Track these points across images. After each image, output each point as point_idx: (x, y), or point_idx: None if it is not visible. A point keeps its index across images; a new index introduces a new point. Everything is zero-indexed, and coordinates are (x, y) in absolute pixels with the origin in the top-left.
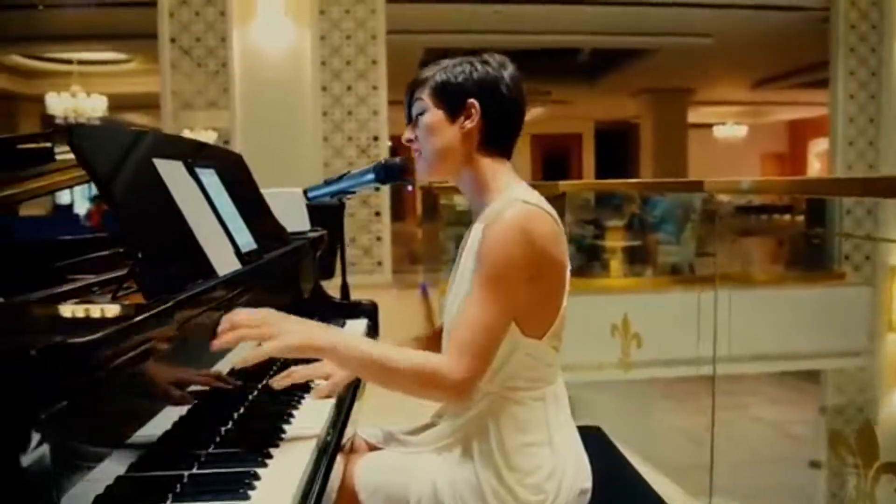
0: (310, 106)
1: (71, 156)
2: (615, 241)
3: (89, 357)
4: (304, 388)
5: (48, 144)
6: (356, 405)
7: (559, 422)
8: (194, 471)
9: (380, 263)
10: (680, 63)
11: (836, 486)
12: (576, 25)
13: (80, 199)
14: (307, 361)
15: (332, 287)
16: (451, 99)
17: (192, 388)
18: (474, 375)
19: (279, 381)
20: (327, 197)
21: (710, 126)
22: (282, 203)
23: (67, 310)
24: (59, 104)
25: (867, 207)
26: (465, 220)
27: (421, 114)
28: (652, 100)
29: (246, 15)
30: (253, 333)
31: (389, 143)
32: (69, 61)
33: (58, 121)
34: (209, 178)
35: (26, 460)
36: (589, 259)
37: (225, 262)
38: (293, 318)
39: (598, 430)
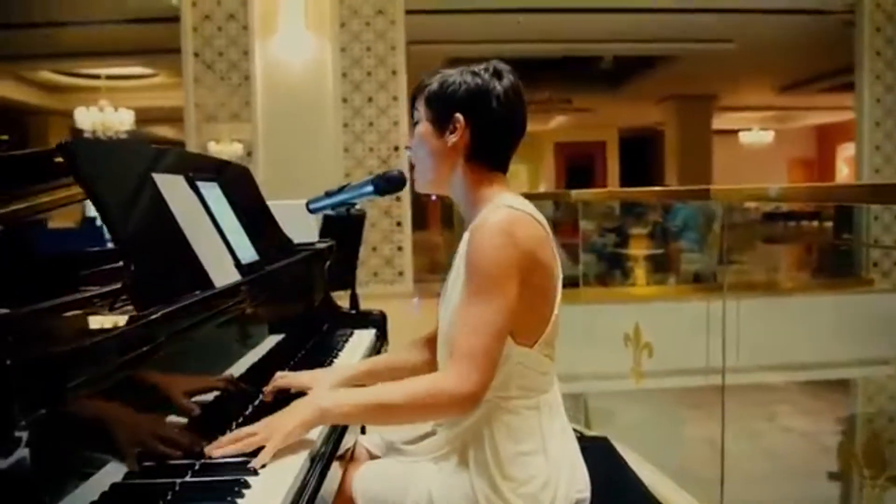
0: (331, 117)
1: None
2: (637, 250)
3: (64, 367)
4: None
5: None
6: None
7: (553, 430)
8: (187, 479)
9: (401, 273)
10: (703, 69)
11: (848, 497)
12: (597, 34)
13: None
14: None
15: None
16: (439, 111)
17: (190, 397)
18: (483, 383)
19: (267, 393)
20: (329, 209)
21: (735, 132)
22: (289, 215)
23: (56, 321)
24: (88, 118)
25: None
26: None
27: (416, 123)
28: (676, 106)
29: (268, 29)
30: (254, 441)
31: (408, 153)
32: (97, 76)
33: (86, 134)
34: (211, 191)
35: (3, 464)
36: (611, 267)
37: (224, 274)
38: (287, 410)
39: (605, 440)
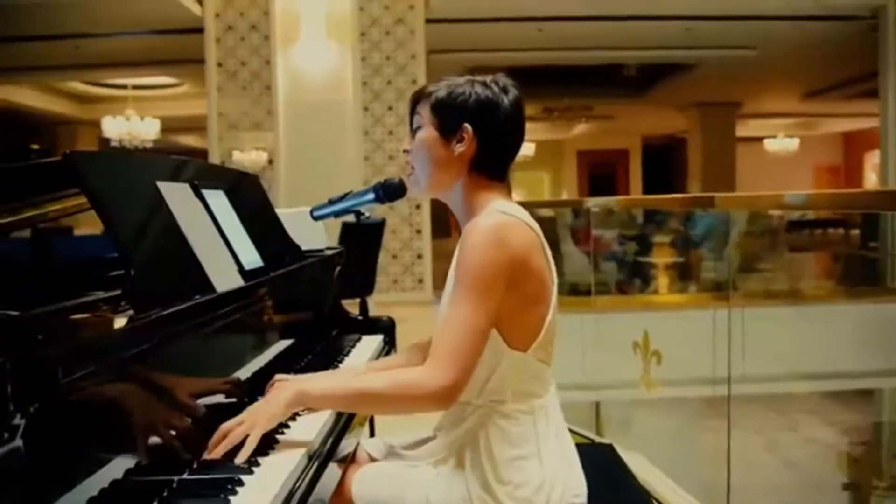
0: (351, 126)
1: None
2: (657, 258)
3: (56, 365)
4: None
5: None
6: (357, 417)
7: (548, 435)
8: (184, 476)
9: (420, 281)
10: (726, 76)
11: None
12: (619, 41)
13: None
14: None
15: (370, 304)
16: (446, 119)
17: (191, 399)
18: (458, 380)
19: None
20: (332, 216)
21: (760, 139)
22: (300, 222)
23: (56, 322)
24: (115, 128)
25: None
26: None
27: (419, 128)
28: (699, 114)
29: (289, 38)
30: (239, 431)
31: None
32: (124, 86)
33: (112, 143)
34: (216, 199)
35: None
36: (631, 275)
37: (226, 279)
38: (268, 397)
39: (609, 447)
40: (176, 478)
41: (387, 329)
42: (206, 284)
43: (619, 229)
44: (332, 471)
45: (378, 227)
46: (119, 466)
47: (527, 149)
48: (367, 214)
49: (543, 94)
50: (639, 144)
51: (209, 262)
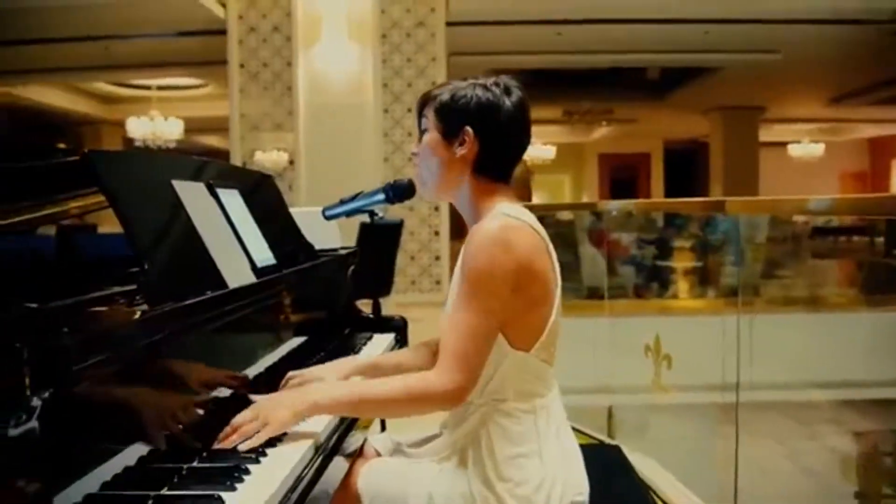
0: (371, 127)
1: None
2: (676, 262)
3: (68, 354)
4: None
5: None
6: None
7: (549, 434)
8: (194, 464)
9: (438, 282)
10: (749, 80)
11: None
12: (640, 44)
13: None
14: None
15: (388, 305)
16: (449, 123)
17: (201, 390)
18: (467, 382)
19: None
20: (343, 216)
21: (784, 144)
22: (315, 222)
23: (73, 314)
24: (140, 128)
25: None
26: None
27: (425, 131)
28: (721, 118)
29: (311, 40)
30: (251, 428)
31: None
32: (149, 87)
33: (137, 143)
34: (231, 198)
35: (14, 432)
36: (648, 280)
37: (238, 276)
38: (282, 399)
39: (617, 448)
40: (185, 465)
41: (398, 328)
42: (218, 280)
43: (638, 233)
44: (339, 464)
45: (395, 228)
46: (132, 453)
47: (547, 152)
48: (381, 215)
49: (564, 97)
50: (660, 148)
51: (222, 259)
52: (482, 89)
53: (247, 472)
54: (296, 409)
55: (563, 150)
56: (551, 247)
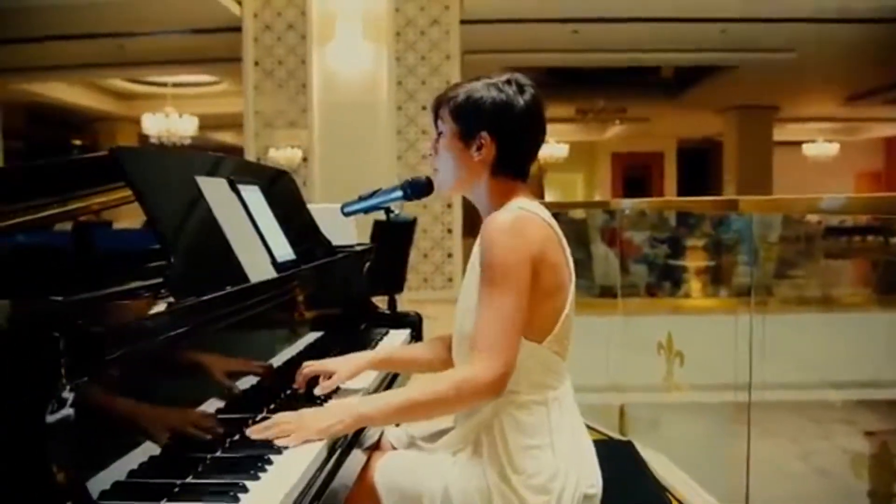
0: (385, 125)
1: None
2: (689, 261)
3: (102, 341)
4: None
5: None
6: None
7: (562, 426)
8: (218, 454)
9: (450, 280)
10: (764, 79)
11: None
12: (655, 43)
13: None
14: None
15: (401, 301)
16: (466, 125)
17: (226, 381)
18: (506, 368)
19: (297, 380)
20: (362, 212)
21: (798, 144)
22: (331, 218)
23: (102, 306)
24: (155, 124)
25: None
26: None
27: (441, 132)
28: (735, 117)
29: (325, 37)
30: (289, 428)
31: None
32: (164, 84)
33: (151, 140)
34: (251, 194)
35: (51, 418)
36: (661, 279)
37: (259, 271)
38: (329, 412)
39: (629, 443)
40: (209, 455)
41: (414, 324)
42: (240, 275)
43: (651, 232)
44: (357, 457)
45: (409, 226)
46: (158, 443)
47: (560, 150)
48: (396, 212)
49: (578, 96)
50: (674, 147)
51: (244, 254)
52: (496, 90)
53: (269, 462)
54: (342, 420)
55: (576, 148)
56: (565, 242)
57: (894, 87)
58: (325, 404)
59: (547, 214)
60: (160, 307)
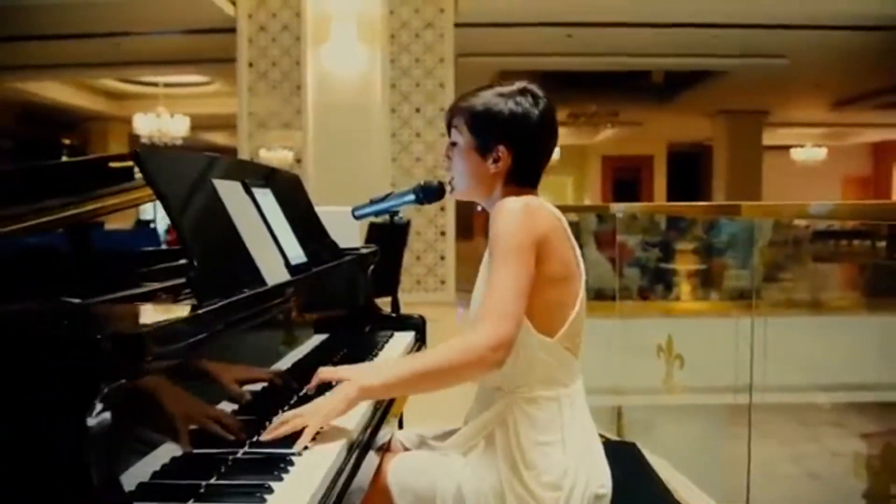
0: (379, 127)
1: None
2: (680, 265)
3: (142, 344)
4: None
5: (129, 164)
6: (393, 408)
7: (573, 424)
8: (239, 455)
9: (443, 282)
10: (754, 84)
11: None
12: (648, 48)
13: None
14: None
15: (386, 303)
16: (483, 135)
17: (242, 385)
18: (510, 334)
19: (310, 386)
20: (373, 215)
21: (787, 148)
22: (334, 221)
23: (132, 308)
24: (146, 124)
25: None
26: None
27: (456, 141)
28: (725, 121)
29: (320, 39)
30: (299, 421)
31: None
32: (156, 84)
33: (142, 140)
34: (264, 197)
35: (91, 421)
36: (653, 282)
37: (275, 273)
38: (327, 395)
39: (632, 445)
40: (230, 456)
41: (418, 327)
42: (258, 278)
43: (642, 235)
44: (371, 459)
45: (404, 228)
46: (182, 444)
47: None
48: (401, 216)
49: (570, 100)
50: (664, 151)
51: (260, 257)
52: (514, 103)
53: (291, 462)
54: (347, 396)
55: (567, 151)
56: (574, 240)
57: (883, 92)
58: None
59: (556, 210)
60: (190, 310)
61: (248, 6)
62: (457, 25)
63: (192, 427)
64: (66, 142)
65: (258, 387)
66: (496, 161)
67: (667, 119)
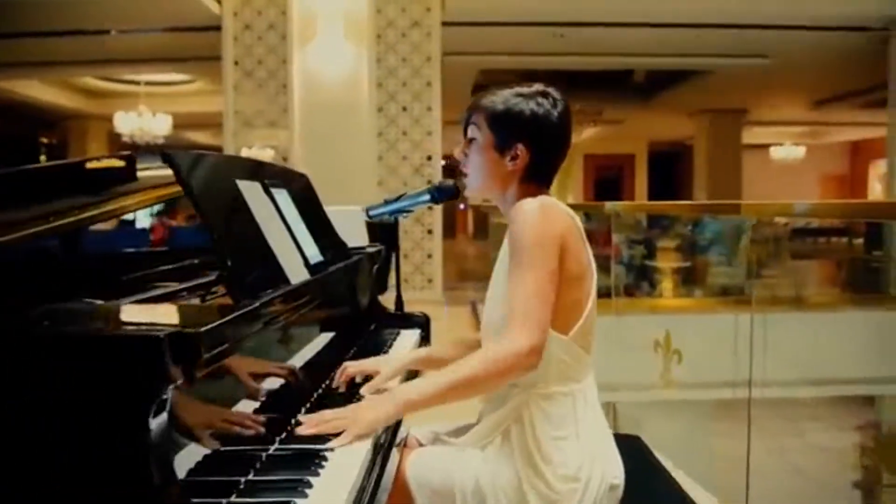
0: (366, 126)
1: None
2: (665, 262)
3: (209, 342)
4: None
5: (133, 166)
6: None
7: (587, 420)
8: (271, 451)
9: (430, 280)
10: (736, 84)
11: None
12: (632, 47)
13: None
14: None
15: (385, 301)
16: (502, 134)
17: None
18: (541, 337)
19: (337, 380)
20: (386, 215)
21: (766, 147)
22: (343, 220)
23: (176, 307)
24: (127, 123)
25: None
26: None
27: (474, 138)
28: (706, 120)
29: (306, 38)
30: (340, 423)
31: (443, 163)
32: (137, 82)
33: (124, 139)
34: (282, 197)
35: (153, 424)
36: (638, 279)
37: (296, 272)
38: (374, 404)
39: (637, 438)
40: (263, 453)
41: (422, 325)
42: (282, 277)
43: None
44: (394, 457)
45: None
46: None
47: None
48: (405, 216)
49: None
50: (645, 149)
51: (282, 256)
52: (535, 103)
53: (325, 458)
54: (389, 410)
55: None
56: (584, 234)
57: (861, 92)
58: (368, 397)
59: (569, 209)
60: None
61: (233, 4)
62: (443, 24)
63: (223, 425)
64: (45, 140)
65: (276, 384)
66: (514, 159)
67: (648, 118)
